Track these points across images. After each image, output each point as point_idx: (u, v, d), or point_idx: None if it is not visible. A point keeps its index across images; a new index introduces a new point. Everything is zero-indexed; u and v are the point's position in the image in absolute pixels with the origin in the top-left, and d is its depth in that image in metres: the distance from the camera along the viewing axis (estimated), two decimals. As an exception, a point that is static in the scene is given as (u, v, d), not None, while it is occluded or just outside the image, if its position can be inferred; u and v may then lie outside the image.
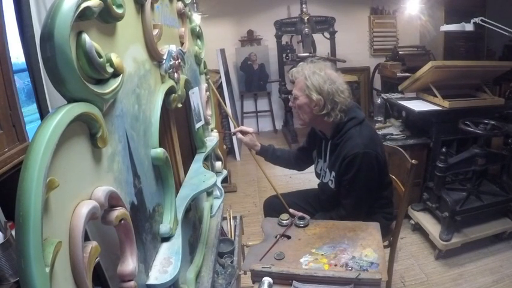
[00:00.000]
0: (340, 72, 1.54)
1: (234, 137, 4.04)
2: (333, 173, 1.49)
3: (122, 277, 0.64)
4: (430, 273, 2.05)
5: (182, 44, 1.19)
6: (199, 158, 1.33)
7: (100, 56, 0.55)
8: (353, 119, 1.45)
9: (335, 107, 1.42)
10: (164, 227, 0.85)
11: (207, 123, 1.47)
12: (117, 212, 0.59)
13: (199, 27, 1.44)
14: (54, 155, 0.45)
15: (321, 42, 4.33)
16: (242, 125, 5.08)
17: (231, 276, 1.32)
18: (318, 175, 1.67)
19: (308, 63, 1.51)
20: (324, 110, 1.42)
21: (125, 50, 0.71)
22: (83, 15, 0.52)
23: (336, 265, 1.13)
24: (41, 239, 0.41)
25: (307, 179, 3.23)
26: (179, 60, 1.02)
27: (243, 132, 1.73)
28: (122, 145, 0.67)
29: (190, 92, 1.21)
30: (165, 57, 0.92)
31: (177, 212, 0.92)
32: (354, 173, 1.39)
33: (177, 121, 1.20)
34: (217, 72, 3.99)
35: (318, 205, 1.72)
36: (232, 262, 1.40)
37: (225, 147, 3.78)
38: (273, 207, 1.74)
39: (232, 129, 1.70)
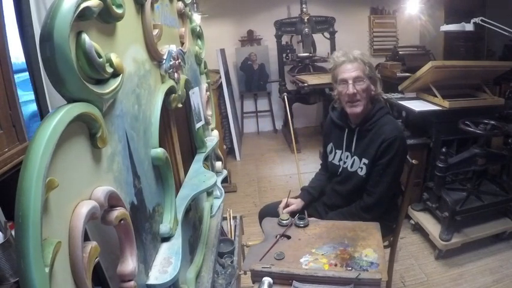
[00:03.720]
0: None
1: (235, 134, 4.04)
2: (364, 160, 1.48)
3: (122, 277, 0.64)
4: (430, 273, 2.05)
5: (182, 44, 1.19)
6: (199, 158, 1.33)
7: (100, 56, 0.55)
8: (383, 107, 1.51)
9: (380, 87, 1.51)
10: (164, 227, 0.85)
11: (207, 123, 1.47)
12: (117, 212, 0.59)
13: (200, 27, 1.44)
14: (53, 155, 0.45)
15: (321, 42, 4.33)
16: (242, 125, 5.10)
17: (231, 276, 1.32)
18: (335, 167, 1.62)
19: (336, 54, 1.52)
20: (378, 89, 1.50)
21: (124, 50, 0.71)
22: (83, 15, 0.52)
23: (336, 265, 1.13)
24: (41, 239, 0.41)
25: (307, 179, 3.23)
26: (179, 60, 1.02)
27: (288, 205, 1.66)
28: (122, 145, 0.67)
29: (190, 92, 1.21)
30: (165, 57, 0.92)
31: (177, 212, 0.92)
32: (391, 157, 1.42)
33: (177, 121, 1.20)
34: (217, 72, 3.99)
35: (323, 205, 1.71)
36: (232, 262, 1.40)
37: (225, 147, 3.78)
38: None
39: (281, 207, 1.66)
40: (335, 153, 1.63)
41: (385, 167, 1.43)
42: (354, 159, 1.53)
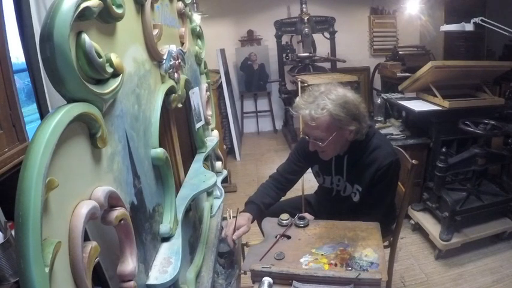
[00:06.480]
0: (335, 82, 1.46)
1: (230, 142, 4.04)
2: (357, 186, 1.43)
3: (122, 277, 0.64)
4: (430, 273, 2.05)
5: (182, 44, 1.20)
6: (199, 158, 1.33)
7: (100, 56, 0.55)
8: (371, 127, 1.41)
9: (365, 121, 1.34)
10: (164, 227, 0.85)
11: (207, 123, 1.47)
12: (117, 212, 0.59)
13: (200, 27, 1.44)
14: (53, 155, 0.45)
15: (321, 42, 4.33)
16: (242, 125, 5.09)
17: (231, 276, 1.32)
18: (328, 189, 1.57)
19: (306, 96, 1.35)
20: (360, 131, 1.33)
21: (124, 50, 0.71)
22: (83, 16, 0.52)
23: (336, 265, 1.13)
24: (41, 239, 0.41)
25: (307, 179, 3.22)
26: (179, 60, 1.02)
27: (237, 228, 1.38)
28: (122, 145, 0.67)
29: (190, 92, 1.21)
30: (165, 57, 0.92)
31: (177, 212, 0.92)
32: (387, 182, 1.37)
33: (177, 121, 1.20)
34: (217, 72, 3.99)
35: (319, 209, 1.70)
36: (232, 262, 1.40)
37: (225, 147, 3.77)
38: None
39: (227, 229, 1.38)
40: (324, 178, 1.55)
41: (381, 191, 1.40)
42: (346, 185, 1.48)
